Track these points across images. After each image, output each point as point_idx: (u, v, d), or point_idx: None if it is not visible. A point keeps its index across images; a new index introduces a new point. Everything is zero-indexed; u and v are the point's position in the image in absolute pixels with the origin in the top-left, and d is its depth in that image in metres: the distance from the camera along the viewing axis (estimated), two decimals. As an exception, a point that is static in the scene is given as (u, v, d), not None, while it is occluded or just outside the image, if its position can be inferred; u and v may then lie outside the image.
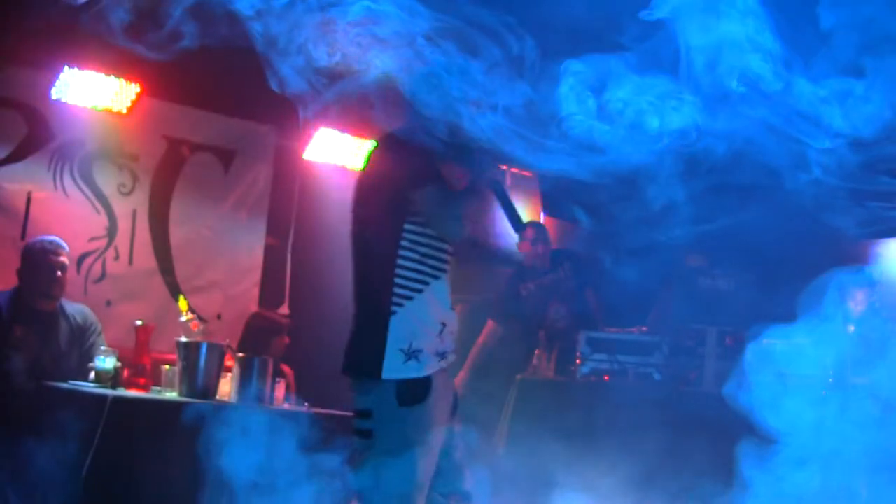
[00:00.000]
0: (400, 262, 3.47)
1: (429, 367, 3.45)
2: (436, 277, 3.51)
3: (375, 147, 3.78)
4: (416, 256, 3.48)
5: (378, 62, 3.80)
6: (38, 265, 5.33)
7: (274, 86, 3.75)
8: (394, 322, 3.45)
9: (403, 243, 3.48)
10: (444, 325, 3.52)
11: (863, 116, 3.36)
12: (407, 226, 3.48)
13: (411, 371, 3.42)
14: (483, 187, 3.60)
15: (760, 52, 3.30)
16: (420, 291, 3.47)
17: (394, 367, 3.42)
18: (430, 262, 3.51)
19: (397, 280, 3.46)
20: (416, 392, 3.42)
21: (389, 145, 3.70)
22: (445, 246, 3.55)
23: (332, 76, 3.82)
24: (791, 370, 4.21)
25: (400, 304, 3.45)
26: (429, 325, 3.48)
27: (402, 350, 3.42)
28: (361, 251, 3.63)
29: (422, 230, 3.49)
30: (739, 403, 3.87)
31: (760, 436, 3.82)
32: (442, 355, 3.51)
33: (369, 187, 3.65)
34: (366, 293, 3.59)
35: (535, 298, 6.95)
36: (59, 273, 5.37)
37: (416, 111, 3.63)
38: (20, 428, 4.61)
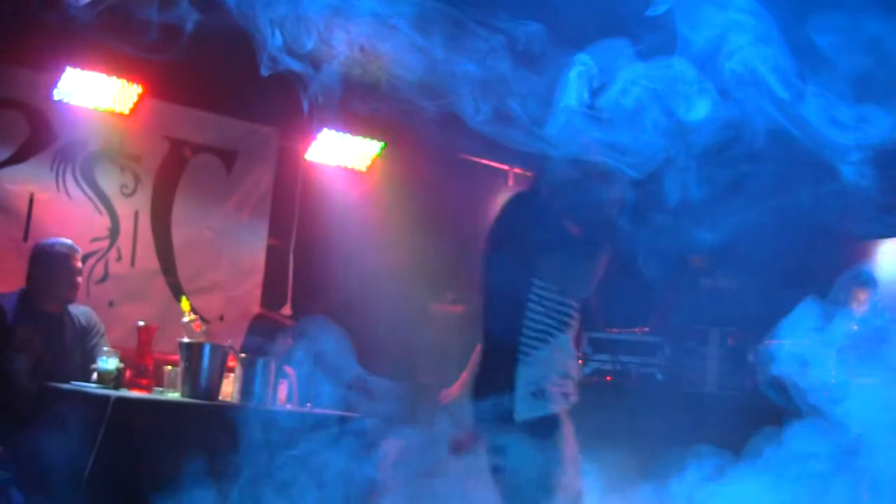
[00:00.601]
0: (528, 314, 3.69)
1: (555, 406, 3.64)
2: (560, 330, 3.71)
3: (506, 204, 3.98)
4: (542, 310, 3.69)
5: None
6: (57, 268, 5.29)
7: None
8: (521, 369, 3.66)
9: (532, 297, 3.69)
10: (567, 373, 3.71)
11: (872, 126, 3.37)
12: (535, 281, 3.69)
13: (539, 409, 3.62)
14: (605, 241, 3.75)
15: (771, 58, 3.30)
16: (546, 342, 3.68)
17: (524, 409, 3.62)
18: (556, 315, 3.70)
19: (525, 331, 3.67)
20: (544, 428, 3.61)
21: (517, 205, 3.93)
22: (571, 301, 3.75)
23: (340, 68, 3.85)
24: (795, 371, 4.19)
25: (527, 354, 3.66)
26: (554, 371, 3.67)
27: (531, 392, 3.63)
28: (492, 302, 3.90)
29: (548, 286, 3.69)
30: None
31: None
32: (566, 396, 3.70)
33: (499, 246, 3.89)
34: (495, 341, 3.86)
35: None
36: (77, 278, 5.37)
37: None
38: (23, 428, 4.60)
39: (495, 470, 3.75)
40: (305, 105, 4.06)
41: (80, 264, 5.40)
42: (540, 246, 3.69)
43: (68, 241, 5.42)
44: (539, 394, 3.61)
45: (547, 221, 3.72)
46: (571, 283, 3.70)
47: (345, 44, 6.27)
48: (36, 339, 5.14)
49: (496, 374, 3.74)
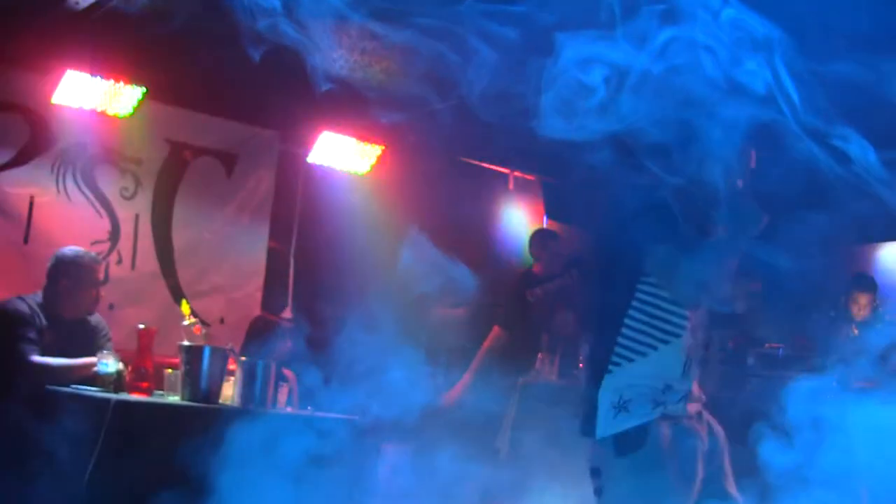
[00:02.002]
0: (627, 321, 3.29)
1: (641, 416, 3.25)
2: (665, 342, 3.27)
3: (613, 200, 3.48)
4: (645, 318, 3.28)
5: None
6: (84, 280, 5.27)
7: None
8: (608, 380, 3.29)
9: (634, 303, 3.29)
10: (669, 386, 3.28)
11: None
12: (639, 286, 3.29)
13: (621, 423, 3.24)
14: (730, 245, 3.28)
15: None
16: (644, 355, 3.27)
17: (606, 424, 3.27)
18: (660, 325, 3.28)
19: (621, 340, 3.29)
20: (630, 441, 3.24)
21: (624, 198, 3.40)
22: (681, 311, 3.29)
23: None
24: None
25: (618, 364, 3.28)
26: (646, 385, 3.26)
27: (612, 405, 3.26)
28: (596, 307, 3.49)
29: (654, 291, 3.28)
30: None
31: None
32: (660, 404, 3.28)
33: (605, 242, 3.48)
34: (592, 348, 3.49)
35: (542, 305, 6.95)
36: (100, 289, 5.36)
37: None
38: (25, 431, 4.60)
39: (595, 492, 3.35)
40: (306, 108, 4.01)
41: (101, 275, 5.40)
42: (644, 243, 3.25)
43: (91, 253, 5.42)
44: (620, 406, 3.24)
45: (655, 216, 3.24)
46: (680, 287, 3.23)
47: (346, 47, 6.28)
48: (50, 345, 5.12)
49: (589, 388, 3.34)
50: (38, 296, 5.24)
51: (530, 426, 6.19)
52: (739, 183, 3.31)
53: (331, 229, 7.84)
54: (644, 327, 3.27)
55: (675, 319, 3.28)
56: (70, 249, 5.37)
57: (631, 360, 3.26)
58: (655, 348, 3.26)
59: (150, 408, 4.60)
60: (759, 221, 3.23)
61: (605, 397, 3.27)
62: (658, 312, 3.27)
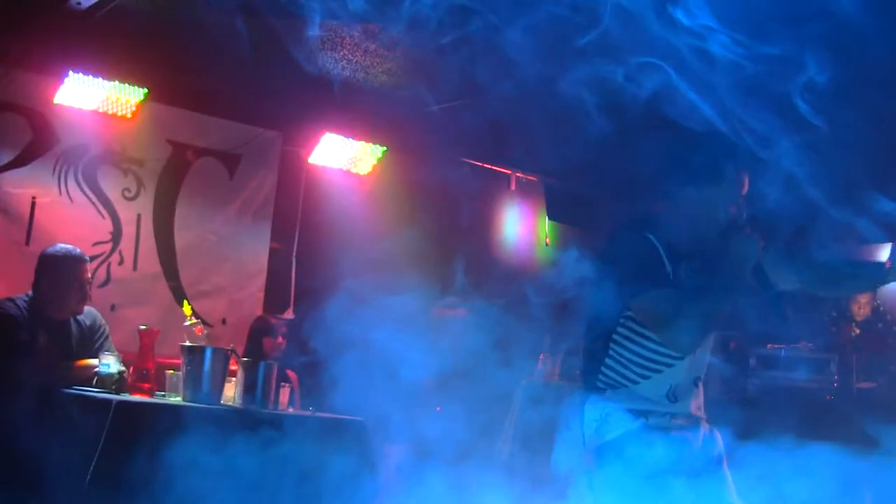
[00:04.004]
0: (610, 352, 3.26)
1: (617, 428, 3.24)
2: (646, 378, 3.23)
3: (616, 235, 3.35)
4: (626, 353, 3.24)
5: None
6: (63, 279, 5.19)
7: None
8: (588, 406, 3.30)
9: (615, 336, 3.24)
10: (648, 415, 3.24)
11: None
12: (624, 320, 3.22)
13: (603, 434, 3.24)
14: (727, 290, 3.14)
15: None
16: (624, 387, 3.24)
17: (590, 436, 3.28)
18: (640, 361, 3.23)
19: (603, 369, 3.27)
20: (607, 455, 3.23)
21: (624, 236, 3.32)
22: (666, 351, 3.21)
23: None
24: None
25: (602, 390, 3.26)
26: (622, 413, 3.24)
27: (594, 419, 3.26)
28: (584, 328, 3.41)
29: (638, 329, 3.22)
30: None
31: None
32: (641, 413, 3.25)
33: (600, 273, 3.32)
34: (581, 368, 3.45)
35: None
36: (86, 288, 5.29)
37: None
38: (27, 433, 4.60)
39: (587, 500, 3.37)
40: (308, 109, 4.01)
41: (88, 275, 5.31)
42: (633, 286, 3.15)
43: (76, 251, 5.31)
44: (602, 419, 3.23)
45: (650, 256, 3.16)
46: (670, 334, 3.12)
47: (348, 48, 6.28)
48: (42, 346, 5.10)
49: (576, 404, 3.35)
50: (29, 295, 5.23)
51: (532, 428, 6.19)
52: (733, 209, 3.22)
53: (333, 229, 7.84)
54: (625, 361, 3.24)
55: (657, 357, 3.23)
56: (54, 248, 5.30)
57: (615, 388, 3.24)
58: (637, 383, 3.23)
59: (151, 409, 4.60)
60: (756, 253, 3.08)
61: (589, 411, 3.28)
62: (640, 350, 3.23)
